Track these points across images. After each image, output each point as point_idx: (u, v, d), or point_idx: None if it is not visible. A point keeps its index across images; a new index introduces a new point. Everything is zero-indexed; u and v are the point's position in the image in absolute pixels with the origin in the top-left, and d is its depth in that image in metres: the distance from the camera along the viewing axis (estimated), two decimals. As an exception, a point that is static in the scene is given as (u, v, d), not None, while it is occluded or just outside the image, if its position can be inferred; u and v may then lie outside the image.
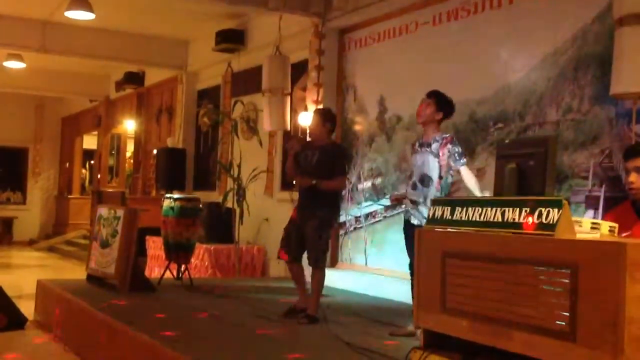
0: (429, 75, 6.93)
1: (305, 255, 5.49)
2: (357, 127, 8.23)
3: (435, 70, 6.89)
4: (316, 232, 5.30)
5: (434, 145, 4.81)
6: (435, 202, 3.15)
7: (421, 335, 2.93)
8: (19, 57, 12.82)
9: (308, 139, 6.00)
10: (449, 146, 4.77)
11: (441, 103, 4.89)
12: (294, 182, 5.90)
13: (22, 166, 18.55)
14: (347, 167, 5.71)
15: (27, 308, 7.08)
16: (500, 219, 2.70)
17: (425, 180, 4.80)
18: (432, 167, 4.79)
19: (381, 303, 6.57)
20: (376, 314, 5.74)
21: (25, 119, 18.23)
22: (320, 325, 5.23)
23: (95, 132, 16.83)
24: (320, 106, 8.28)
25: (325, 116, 5.58)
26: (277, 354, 4.25)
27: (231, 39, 10.43)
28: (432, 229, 3.02)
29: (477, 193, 4.65)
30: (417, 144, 4.98)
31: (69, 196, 17.94)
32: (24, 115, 18.13)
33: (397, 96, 7.53)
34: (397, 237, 6.62)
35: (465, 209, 2.87)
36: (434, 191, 4.75)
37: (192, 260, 8.05)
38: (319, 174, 5.33)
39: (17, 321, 6.68)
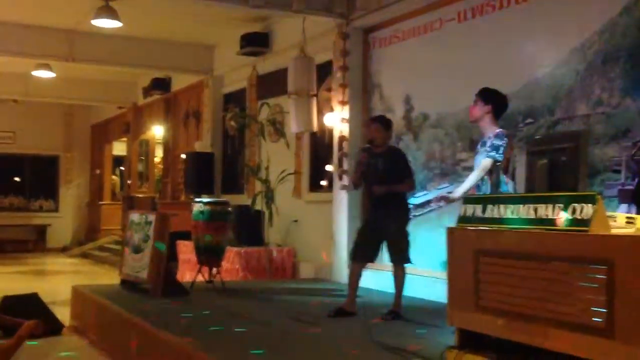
0: (456, 72, 6.89)
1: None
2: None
3: (461, 66, 6.85)
4: (398, 233, 5.61)
5: (487, 142, 4.72)
6: (466, 201, 3.14)
7: (456, 335, 2.92)
8: (47, 67, 13.01)
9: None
10: (491, 139, 4.68)
11: (487, 97, 4.80)
12: (355, 187, 6.12)
13: (53, 174, 18.84)
14: (411, 168, 5.91)
15: (62, 314, 7.19)
16: (532, 216, 2.68)
17: (483, 179, 4.74)
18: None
19: (414, 302, 6.53)
20: (410, 314, 5.73)
21: (55, 128, 18.52)
22: (355, 325, 5.26)
23: (124, 139, 17.02)
24: (346, 107, 8.30)
25: (386, 123, 5.87)
26: (312, 355, 4.26)
27: (256, 42, 10.48)
28: (463, 227, 3.01)
29: (459, 189, 4.68)
30: (478, 145, 4.94)
31: (100, 202, 18.16)
32: (54, 123, 18.42)
33: (423, 94, 7.50)
34: (427, 236, 6.61)
35: (496, 206, 2.86)
36: (487, 189, 4.70)
37: (223, 263, 8.09)
38: (389, 179, 5.61)
39: (53, 327, 6.78)
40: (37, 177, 18.76)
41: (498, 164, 4.62)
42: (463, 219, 3.01)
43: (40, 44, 11.24)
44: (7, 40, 10.63)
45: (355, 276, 5.78)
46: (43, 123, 18.07)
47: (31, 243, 17.75)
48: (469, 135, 6.57)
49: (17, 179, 18.71)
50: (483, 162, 4.65)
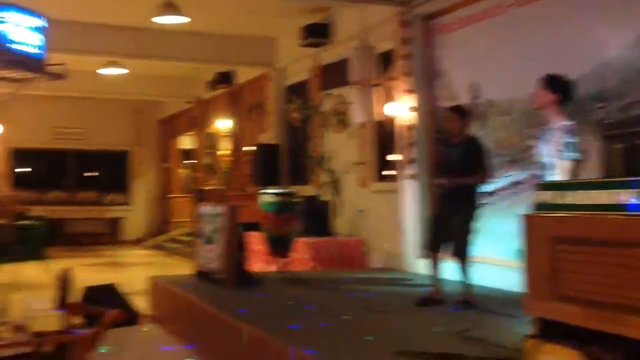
0: (522, 57, 6.78)
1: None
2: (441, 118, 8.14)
3: (527, 51, 6.73)
4: (462, 227, 5.57)
5: (553, 131, 4.59)
6: (541, 187, 3.11)
7: (533, 324, 2.91)
8: (116, 64, 13.41)
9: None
10: (564, 135, 4.49)
11: (553, 86, 4.64)
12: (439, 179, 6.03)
13: (124, 168, 19.43)
14: (487, 160, 5.78)
15: (139, 304, 7.44)
16: (608, 201, 2.65)
17: (546, 167, 4.64)
18: (550, 154, 4.63)
19: (490, 292, 6.48)
20: (484, 304, 5.72)
21: (125, 123, 19.06)
22: (433, 315, 5.31)
23: (191, 132, 17.38)
24: (410, 96, 8.26)
25: (462, 112, 5.81)
26: (389, 344, 4.30)
27: (317, 33, 10.53)
28: (540, 214, 2.98)
29: None
30: (541, 132, 4.82)
31: (170, 195, 18.62)
32: (123, 119, 18.97)
33: (489, 81, 7.40)
34: (500, 225, 6.53)
35: (572, 192, 2.83)
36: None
37: (292, 254, 8.21)
38: (462, 170, 5.57)
39: (131, 317, 7.02)
40: (109, 172, 19.40)
41: (579, 161, 4.40)
42: (539, 206, 2.98)
43: (109, 42, 11.57)
44: (77, 39, 10.96)
45: (432, 264, 5.81)
46: (113, 119, 18.66)
47: (106, 236, 18.38)
48: (538, 121, 6.45)
49: (90, 174, 19.37)
50: (564, 165, 4.39)
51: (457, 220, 5.58)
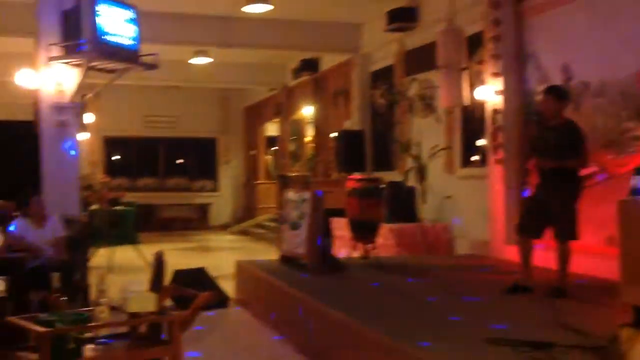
0: (617, 38, 6.48)
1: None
2: (538, 100, 7.89)
3: (623, 31, 6.43)
4: (564, 207, 5.43)
5: None
6: (639, 172, 2.97)
7: (630, 311, 2.79)
8: (204, 53, 13.70)
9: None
10: None
11: None
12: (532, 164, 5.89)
13: (212, 155, 19.89)
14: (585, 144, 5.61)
15: (227, 287, 7.62)
16: None
17: None
18: None
19: (584, 280, 6.28)
20: (581, 292, 5.55)
21: (212, 111, 19.49)
22: (524, 303, 5.19)
23: (276, 120, 17.58)
24: (500, 79, 8.06)
25: (559, 93, 5.65)
26: (478, 332, 4.23)
27: (403, 18, 10.41)
28: (637, 199, 2.86)
29: None
30: None
31: (256, 182, 18.95)
32: (210, 107, 19.39)
33: (582, 62, 7.11)
34: (595, 211, 6.29)
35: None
36: None
37: (377, 239, 8.19)
38: (560, 153, 5.41)
39: (220, 300, 7.20)
40: (198, 159, 19.91)
41: None
42: (637, 191, 2.85)
43: (198, 32, 11.84)
44: (167, 30, 11.26)
45: (524, 250, 5.69)
46: (201, 107, 19.11)
47: (195, 221, 18.91)
48: (636, 103, 6.17)
49: (180, 161, 19.95)
50: None
51: (560, 203, 5.44)
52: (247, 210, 19.10)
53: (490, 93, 8.18)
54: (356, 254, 8.00)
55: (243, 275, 7.74)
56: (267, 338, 5.94)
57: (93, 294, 6.59)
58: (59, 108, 7.69)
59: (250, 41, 12.14)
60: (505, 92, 8.03)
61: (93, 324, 3.98)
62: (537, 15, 7.89)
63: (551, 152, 5.47)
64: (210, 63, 14.22)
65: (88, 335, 4.08)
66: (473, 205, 8.72)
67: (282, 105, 16.66)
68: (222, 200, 19.60)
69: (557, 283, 5.47)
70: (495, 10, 8.14)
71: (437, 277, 6.75)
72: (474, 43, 8.80)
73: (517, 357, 3.62)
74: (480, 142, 8.87)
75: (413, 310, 5.14)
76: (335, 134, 12.41)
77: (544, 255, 6.37)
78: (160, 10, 10.73)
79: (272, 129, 18.61)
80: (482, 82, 8.46)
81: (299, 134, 16.29)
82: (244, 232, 17.03)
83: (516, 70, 8.08)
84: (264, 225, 16.25)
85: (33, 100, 8.22)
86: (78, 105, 7.97)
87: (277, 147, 18.17)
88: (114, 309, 4.13)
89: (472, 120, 9.16)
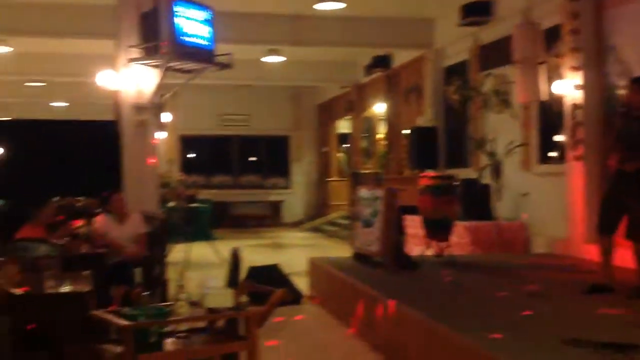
0: None
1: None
2: (623, 92, 7.62)
3: None
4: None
5: None
6: None
7: None
8: (276, 52, 13.84)
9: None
10: None
11: None
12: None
13: (284, 153, 20.08)
14: None
15: (300, 284, 7.68)
16: None
17: None
18: None
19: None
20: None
21: (285, 109, 19.69)
22: (603, 303, 5.04)
23: (348, 117, 17.60)
24: (579, 73, 7.83)
25: None
26: (556, 332, 4.13)
27: (477, 12, 10.23)
28: None
29: None
30: None
31: (328, 179, 19.02)
32: (283, 105, 19.59)
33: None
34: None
35: None
36: None
37: (452, 237, 8.09)
38: None
39: (294, 296, 7.27)
40: (271, 157, 20.14)
41: None
42: None
43: (270, 31, 11.94)
44: (240, 29, 11.40)
45: (605, 249, 5.52)
46: (274, 105, 19.33)
47: (267, 218, 19.14)
48: None
49: (253, 158, 20.23)
50: None
51: (636, 202, 5.24)
52: (319, 207, 19.20)
53: (569, 87, 7.96)
54: (430, 252, 7.93)
55: (316, 272, 7.79)
56: (341, 334, 5.96)
57: (171, 288, 6.80)
58: (139, 108, 7.92)
59: (322, 39, 12.17)
60: (586, 87, 7.80)
61: (174, 318, 4.09)
62: (616, 7, 7.64)
63: (635, 144, 5.25)
64: (283, 61, 14.35)
65: (168, 329, 4.19)
66: (550, 203, 8.50)
67: (353, 102, 16.66)
68: (294, 197, 19.76)
69: (638, 282, 5.29)
70: (573, 3, 7.91)
71: (513, 276, 6.61)
72: (552, 36, 8.57)
73: (599, 359, 3.52)
74: (558, 138, 8.63)
75: (487, 308, 5.06)
76: (408, 131, 12.36)
77: (626, 254, 6.16)
78: (233, 10, 10.88)
79: (344, 126, 18.64)
80: (560, 77, 8.23)
81: (371, 131, 16.25)
82: (316, 230, 17.12)
83: (596, 63, 7.85)
84: (335, 223, 16.29)
85: (114, 100, 8.48)
86: (157, 105, 8.18)
87: (349, 144, 18.19)
88: (192, 304, 4.23)
89: (550, 115, 8.92)
